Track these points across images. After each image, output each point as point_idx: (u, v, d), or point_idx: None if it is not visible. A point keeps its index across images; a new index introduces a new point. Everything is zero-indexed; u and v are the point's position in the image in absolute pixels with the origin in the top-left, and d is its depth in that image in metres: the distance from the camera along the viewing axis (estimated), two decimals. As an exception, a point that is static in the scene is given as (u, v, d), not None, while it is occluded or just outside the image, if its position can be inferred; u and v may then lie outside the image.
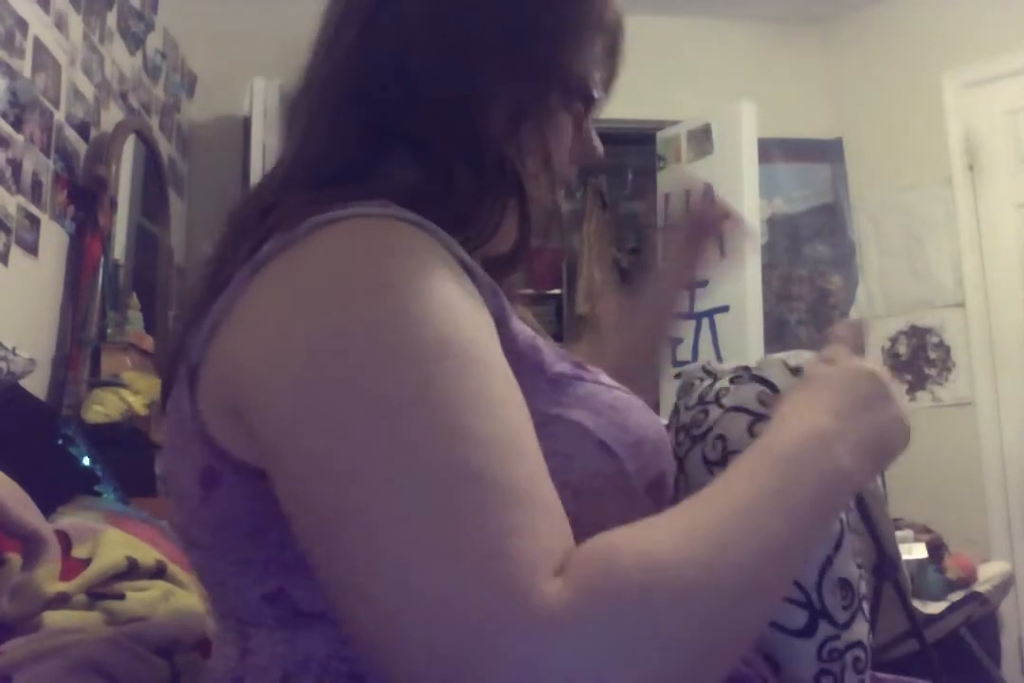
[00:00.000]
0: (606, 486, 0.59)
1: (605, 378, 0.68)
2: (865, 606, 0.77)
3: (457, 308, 0.55)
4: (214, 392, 0.60)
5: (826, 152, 3.89)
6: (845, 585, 0.75)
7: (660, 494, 0.65)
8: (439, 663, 0.45)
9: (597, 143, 0.80)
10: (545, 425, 0.55)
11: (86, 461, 1.78)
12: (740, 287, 3.33)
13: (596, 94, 0.75)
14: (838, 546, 0.74)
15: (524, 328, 0.65)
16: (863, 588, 0.77)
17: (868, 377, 0.66)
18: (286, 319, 0.56)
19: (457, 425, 0.50)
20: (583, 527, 0.51)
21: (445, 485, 0.48)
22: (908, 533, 2.47)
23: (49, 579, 0.82)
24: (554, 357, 0.66)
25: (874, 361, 0.71)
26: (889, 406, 0.66)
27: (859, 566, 0.77)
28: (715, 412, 0.80)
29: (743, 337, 3.30)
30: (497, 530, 0.47)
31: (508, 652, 0.44)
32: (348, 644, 0.59)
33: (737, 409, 0.78)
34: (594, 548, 0.48)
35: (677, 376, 0.88)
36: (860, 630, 0.75)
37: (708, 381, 0.84)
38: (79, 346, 2.25)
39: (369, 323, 0.53)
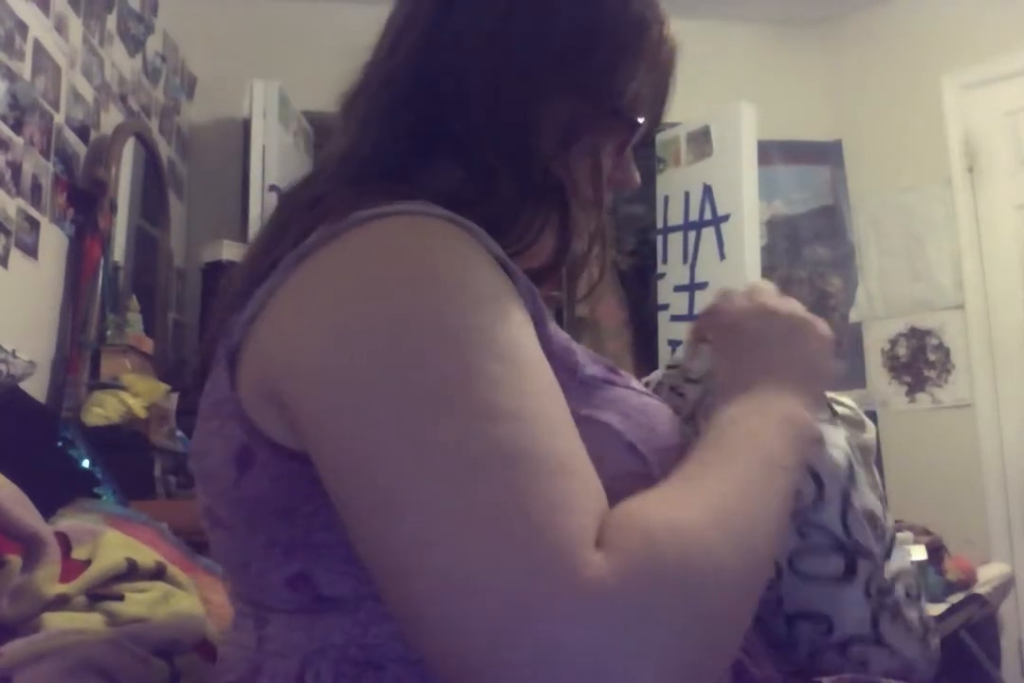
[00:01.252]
0: (633, 488, 0.60)
1: (636, 384, 0.69)
2: (896, 534, 0.75)
3: (497, 304, 0.57)
4: (253, 376, 0.61)
5: (826, 154, 3.90)
6: (872, 517, 0.73)
7: None
8: (489, 635, 0.46)
9: (634, 172, 0.81)
10: (575, 426, 0.56)
11: (86, 463, 1.78)
12: (739, 289, 3.33)
13: (640, 121, 0.77)
14: (852, 479, 0.72)
15: (559, 330, 0.66)
16: (890, 521, 0.75)
17: (766, 316, 0.74)
18: (328, 309, 0.57)
19: (498, 407, 0.51)
20: None
21: (486, 462, 0.49)
22: (908, 535, 2.47)
23: (49, 581, 0.82)
24: (587, 360, 0.67)
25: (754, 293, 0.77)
26: (796, 330, 0.73)
27: (881, 499, 0.75)
28: (690, 391, 0.80)
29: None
30: (542, 504, 0.48)
31: (559, 623, 0.45)
32: (366, 632, 0.60)
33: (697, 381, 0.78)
34: (626, 519, 0.50)
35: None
36: (902, 558, 0.73)
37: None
38: (79, 349, 2.25)
39: (411, 314, 0.55)
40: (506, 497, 0.48)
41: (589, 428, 0.57)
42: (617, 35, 0.74)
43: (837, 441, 0.74)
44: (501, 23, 0.72)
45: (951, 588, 2.33)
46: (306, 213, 0.67)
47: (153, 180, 2.94)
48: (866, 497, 0.73)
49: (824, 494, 0.71)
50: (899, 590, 0.72)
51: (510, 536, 0.47)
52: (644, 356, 3.80)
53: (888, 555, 0.72)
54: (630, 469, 0.62)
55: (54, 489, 1.25)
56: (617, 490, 0.57)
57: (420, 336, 0.54)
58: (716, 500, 0.53)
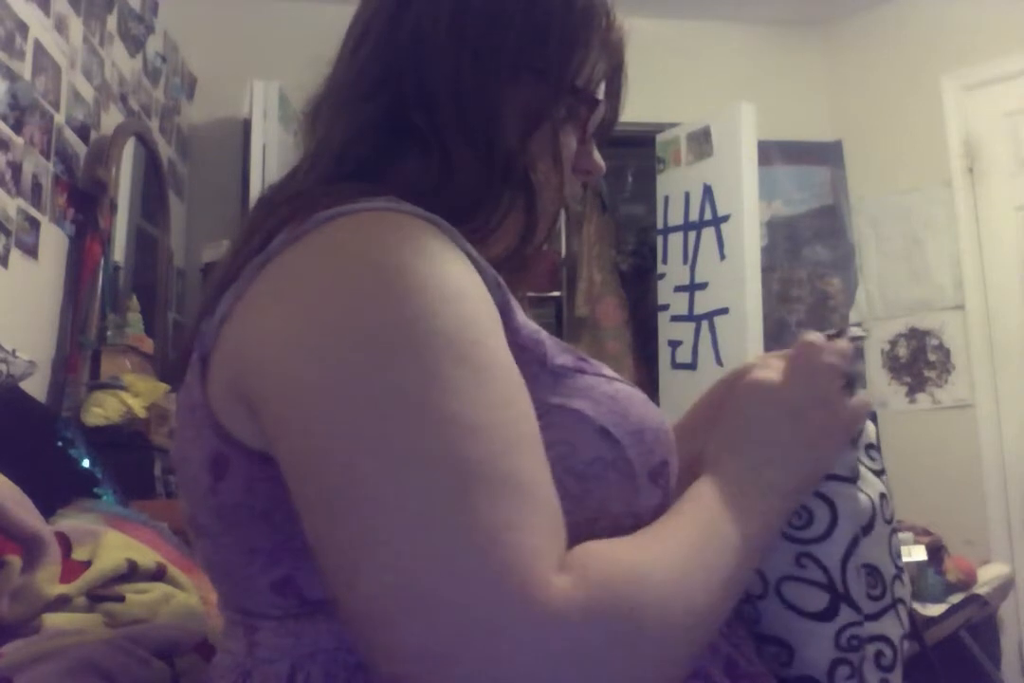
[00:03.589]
0: (608, 471, 0.61)
1: (607, 371, 0.69)
2: (903, 613, 0.73)
3: (464, 303, 0.57)
4: (223, 380, 0.61)
5: (826, 154, 3.90)
6: (874, 573, 0.71)
7: (663, 481, 0.66)
8: (435, 646, 0.46)
9: (599, 159, 0.82)
10: (547, 415, 0.56)
11: (86, 463, 1.78)
12: (740, 289, 3.33)
13: (599, 99, 0.77)
14: (867, 529, 0.71)
15: (528, 322, 0.66)
16: (900, 591, 0.73)
17: (802, 386, 0.70)
18: (292, 309, 0.57)
19: (459, 419, 0.51)
20: (587, 510, 0.55)
21: (446, 476, 0.49)
22: (908, 535, 2.47)
23: (49, 581, 0.82)
24: (557, 350, 0.67)
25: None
26: (818, 410, 0.69)
27: (900, 569, 0.74)
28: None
29: (743, 339, 3.30)
30: (497, 522, 0.49)
31: (506, 640, 0.46)
32: None
33: None
34: (594, 555, 0.51)
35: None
36: (890, 627, 0.72)
37: None
38: (79, 348, 2.25)
39: (375, 314, 0.54)
40: (460, 509, 0.48)
41: (560, 416, 0.57)
42: (570, 18, 0.75)
43: (870, 491, 0.73)
44: (457, 14, 0.73)
45: (951, 588, 2.33)
46: (276, 214, 0.67)
47: (153, 180, 2.94)
48: (877, 553, 0.72)
49: (835, 531, 0.70)
50: (870, 651, 0.70)
51: (462, 555, 0.47)
52: (644, 357, 3.80)
53: (877, 618, 0.71)
54: (603, 453, 0.62)
55: (54, 489, 1.25)
56: (592, 475, 0.58)
57: (384, 337, 0.53)
58: (679, 559, 0.55)
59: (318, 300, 0.56)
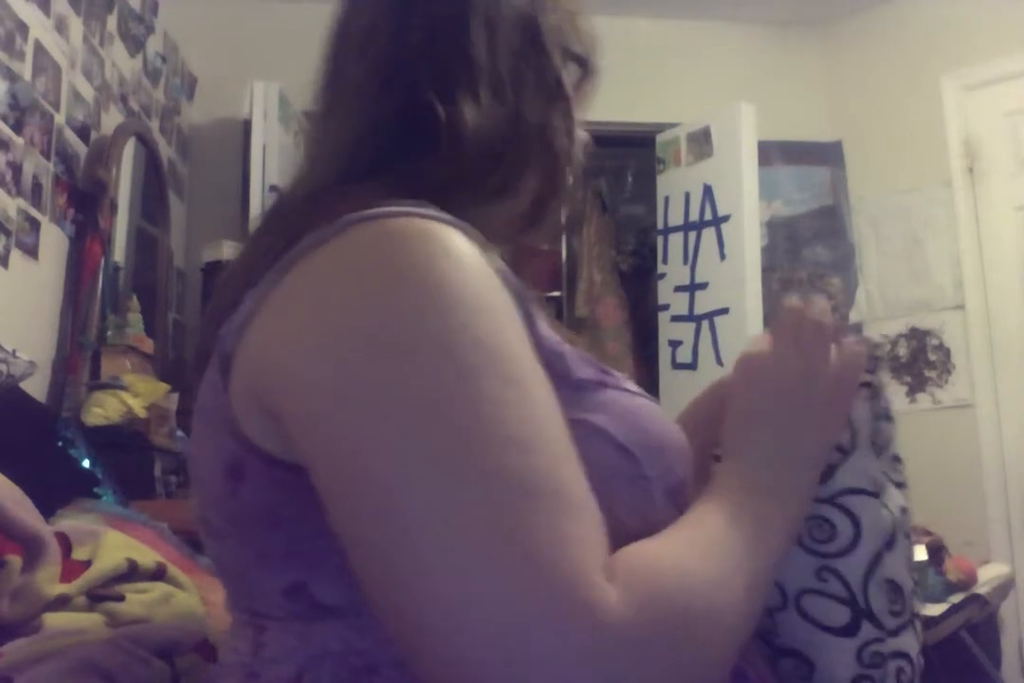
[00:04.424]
0: (625, 488, 0.61)
1: (630, 385, 0.69)
2: (918, 625, 0.72)
3: (492, 311, 0.56)
4: (244, 383, 0.60)
5: (826, 155, 3.90)
6: (895, 589, 0.70)
7: (680, 500, 0.65)
8: (498, 664, 0.46)
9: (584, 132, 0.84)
10: (575, 450, 0.56)
11: (86, 463, 1.78)
12: (740, 289, 3.33)
13: (592, 61, 0.79)
14: (890, 544, 0.70)
15: (550, 332, 0.65)
16: (917, 606, 0.73)
17: (794, 358, 0.70)
18: (320, 314, 0.57)
19: (509, 435, 0.51)
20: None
21: (501, 491, 0.49)
22: (908, 535, 2.46)
23: (49, 581, 0.82)
24: (579, 363, 0.66)
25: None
26: (819, 373, 0.70)
27: (915, 582, 0.73)
28: None
29: (743, 339, 3.30)
30: (557, 536, 0.49)
31: (570, 656, 0.46)
32: (364, 638, 0.59)
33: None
34: (635, 561, 0.53)
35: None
36: (909, 643, 0.71)
37: None
38: (79, 349, 2.25)
39: (405, 319, 0.54)
40: (519, 529, 0.48)
41: (580, 431, 0.57)
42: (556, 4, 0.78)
43: (892, 506, 0.72)
44: (462, 4, 0.74)
45: (951, 589, 2.33)
46: (297, 214, 0.66)
47: (153, 180, 2.94)
48: (898, 568, 0.71)
49: (857, 546, 0.69)
50: (891, 667, 0.70)
51: (523, 571, 0.47)
52: (644, 357, 3.80)
53: (897, 633, 0.70)
54: (621, 469, 0.62)
55: (54, 489, 1.25)
56: (609, 490, 0.57)
57: (418, 348, 0.53)
58: (718, 553, 0.57)
59: (345, 308, 0.56)
